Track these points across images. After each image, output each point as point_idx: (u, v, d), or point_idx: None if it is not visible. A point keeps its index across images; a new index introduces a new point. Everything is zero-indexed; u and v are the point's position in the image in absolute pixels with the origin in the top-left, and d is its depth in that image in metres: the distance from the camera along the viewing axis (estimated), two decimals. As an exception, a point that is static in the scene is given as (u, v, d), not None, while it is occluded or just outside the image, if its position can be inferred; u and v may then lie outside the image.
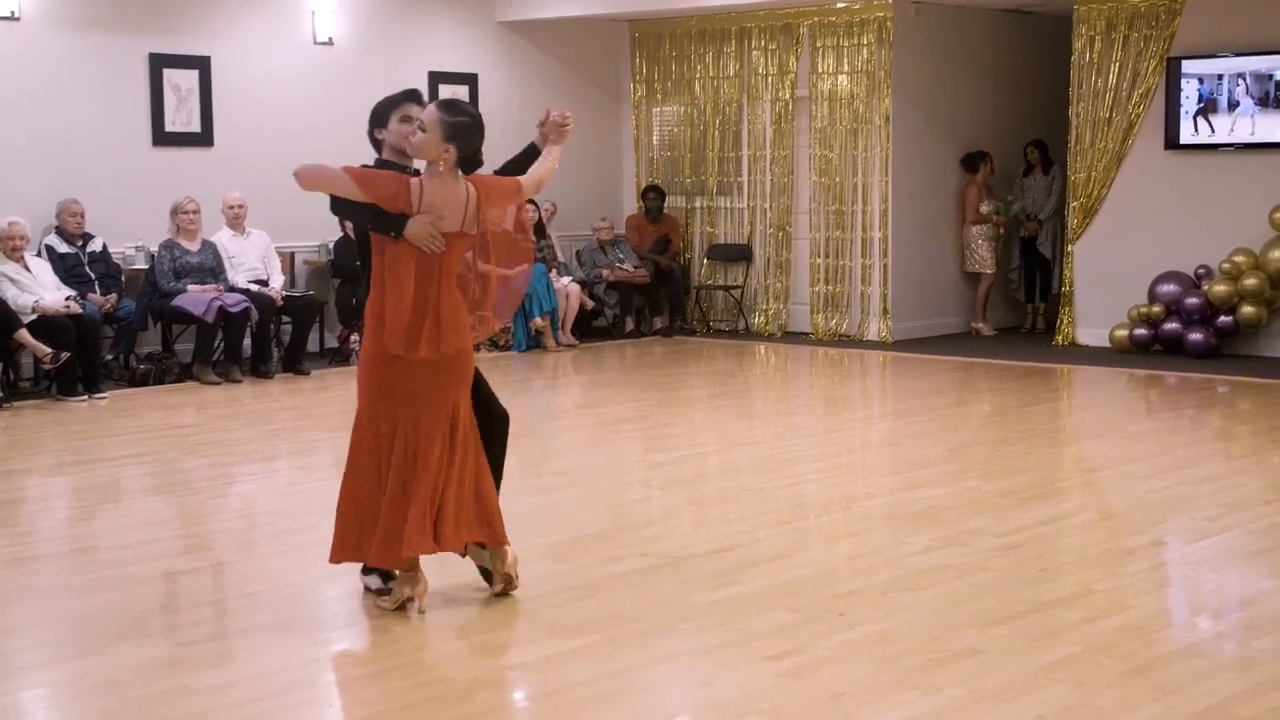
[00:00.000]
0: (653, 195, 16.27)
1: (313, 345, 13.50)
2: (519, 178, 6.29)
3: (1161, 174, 13.91)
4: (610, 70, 16.91)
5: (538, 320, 14.42)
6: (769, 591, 6.32)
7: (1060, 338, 14.64)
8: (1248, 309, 13.31)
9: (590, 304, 15.27)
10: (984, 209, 15.53)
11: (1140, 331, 13.81)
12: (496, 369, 13.37)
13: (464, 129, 5.92)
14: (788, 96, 15.69)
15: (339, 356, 13.58)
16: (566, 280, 14.93)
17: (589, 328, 15.38)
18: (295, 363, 12.83)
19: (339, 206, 6.25)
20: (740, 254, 16.18)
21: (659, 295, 15.92)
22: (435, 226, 5.81)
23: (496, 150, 15.89)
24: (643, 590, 6.36)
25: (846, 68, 15.24)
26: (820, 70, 15.38)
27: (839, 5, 15.04)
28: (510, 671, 5.42)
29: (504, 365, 13.62)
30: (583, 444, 10.29)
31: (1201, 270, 13.60)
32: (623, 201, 16.86)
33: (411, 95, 6.35)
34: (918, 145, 15.24)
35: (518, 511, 8.03)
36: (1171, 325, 13.63)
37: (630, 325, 15.64)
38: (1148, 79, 13.97)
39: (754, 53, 15.90)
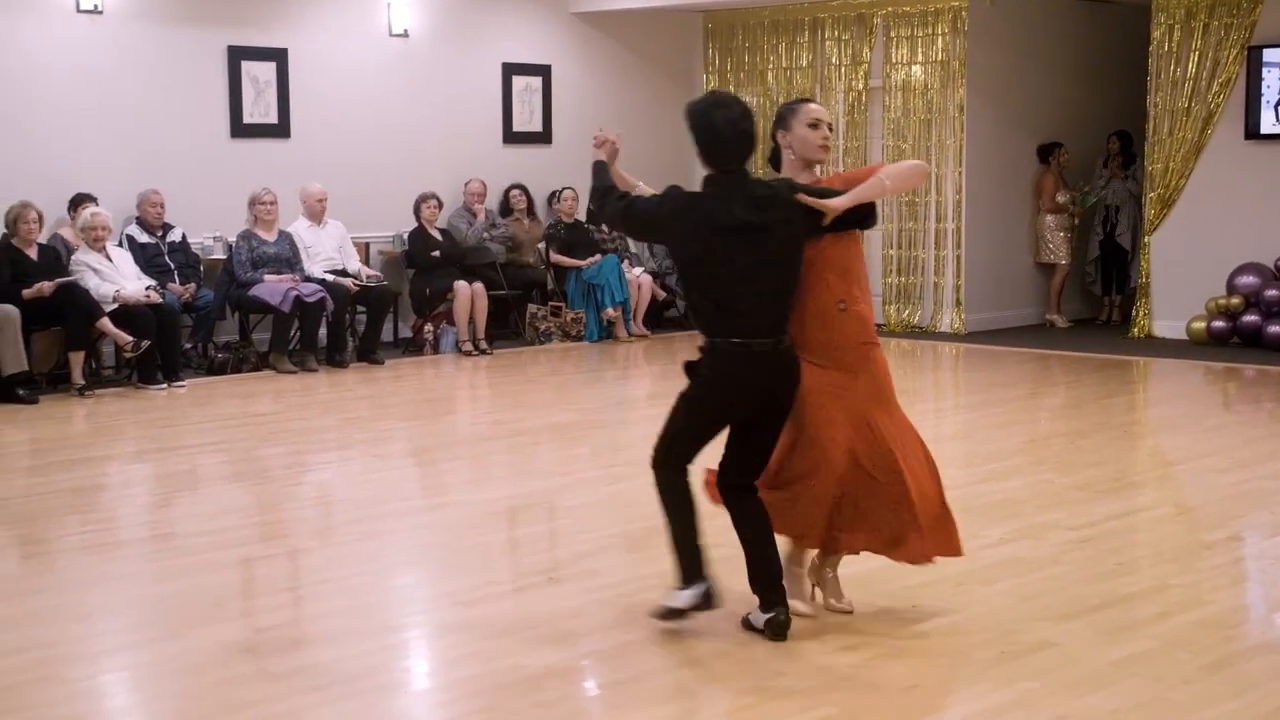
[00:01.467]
0: (725, 185, 16.22)
1: (386, 335, 13.57)
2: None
3: (1241, 164, 13.76)
4: (683, 61, 16.89)
5: (610, 310, 14.44)
6: (843, 583, 6.30)
7: (1136, 330, 14.52)
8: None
9: (662, 294, 15.27)
10: (1060, 199, 15.42)
11: (1218, 324, 13.68)
12: (569, 359, 13.42)
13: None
14: (861, 87, 15.64)
15: (413, 346, 13.66)
16: (639, 271, 14.94)
17: (661, 318, 15.38)
18: (370, 352, 12.90)
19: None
20: (813, 244, 16.11)
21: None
22: None
23: (573, 138, 15.81)
24: (715, 579, 6.36)
25: (920, 58, 15.17)
26: (894, 61, 15.32)
27: (914, -5, 14.99)
28: (582, 660, 5.42)
29: (576, 355, 13.66)
30: (653, 435, 10.27)
31: (1281, 262, 13.49)
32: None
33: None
34: (992, 136, 15.15)
35: (591, 500, 8.11)
36: (1250, 317, 13.49)
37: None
38: (1228, 68, 13.81)
39: (827, 43, 15.85)
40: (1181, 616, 5.83)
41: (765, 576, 5.53)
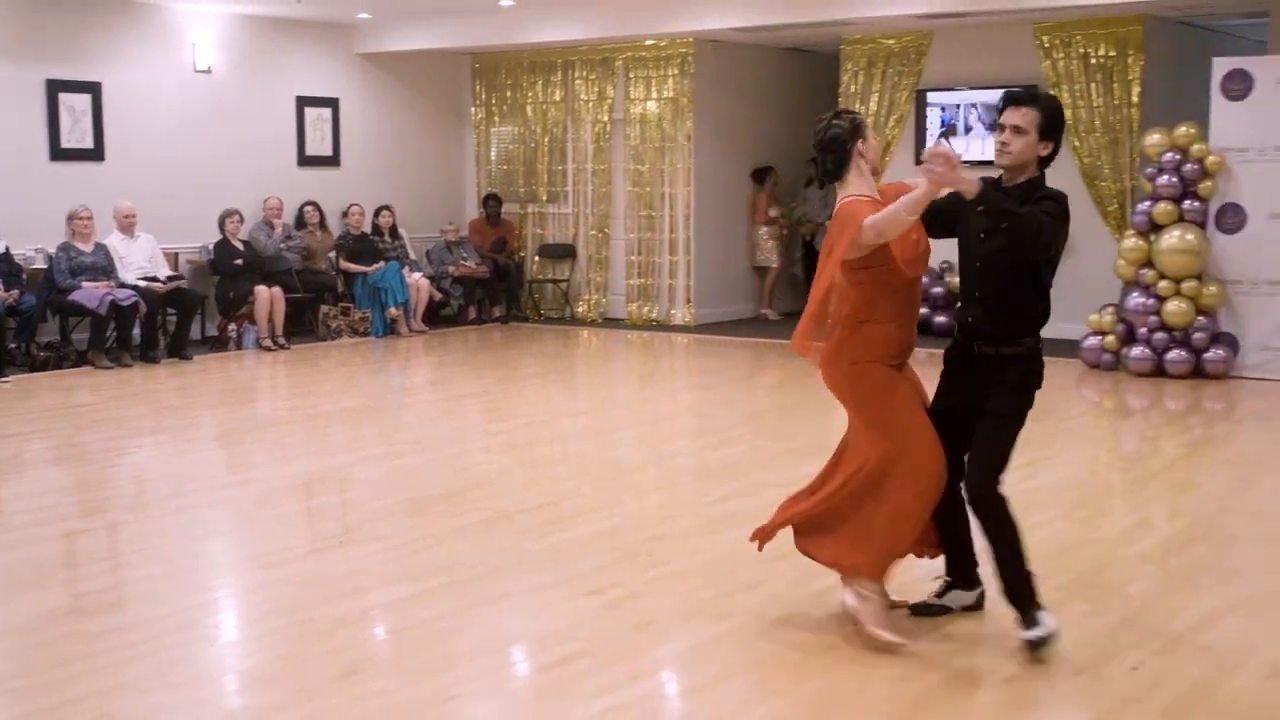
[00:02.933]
0: (492, 202, 16.25)
1: (195, 334, 13.25)
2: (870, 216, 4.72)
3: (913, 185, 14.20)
4: (454, 95, 16.81)
5: (392, 310, 14.35)
6: (590, 538, 6.38)
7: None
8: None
9: (438, 296, 15.19)
10: (772, 213, 15.75)
11: (899, 316, 14.08)
12: (357, 353, 13.27)
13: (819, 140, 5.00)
14: (606, 119, 15.74)
15: (218, 343, 13.37)
16: (417, 275, 14.84)
17: (437, 316, 15.29)
18: (180, 349, 12.58)
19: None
20: (566, 252, 16.21)
21: (497, 288, 15.89)
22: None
23: (359, 161, 15.59)
24: (481, 540, 6.38)
25: (655, 95, 15.33)
26: (633, 97, 15.46)
27: (648, 42, 15.11)
28: (370, 611, 5.40)
29: (363, 350, 13.50)
30: (432, 416, 10.25)
31: (944, 265, 13.90)
32: (466, 208, 16.79)
33: (1010, 98, 4.86)
34: (715, 161, 15.40)
35: (376, 473, 8.04)
36: (921, 310, 13.91)
37: (473, 314, 15.59)
38: (901, 107, 14.27)
39: (577, 82, 15.92)
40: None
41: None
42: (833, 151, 4.95)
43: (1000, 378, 4.87)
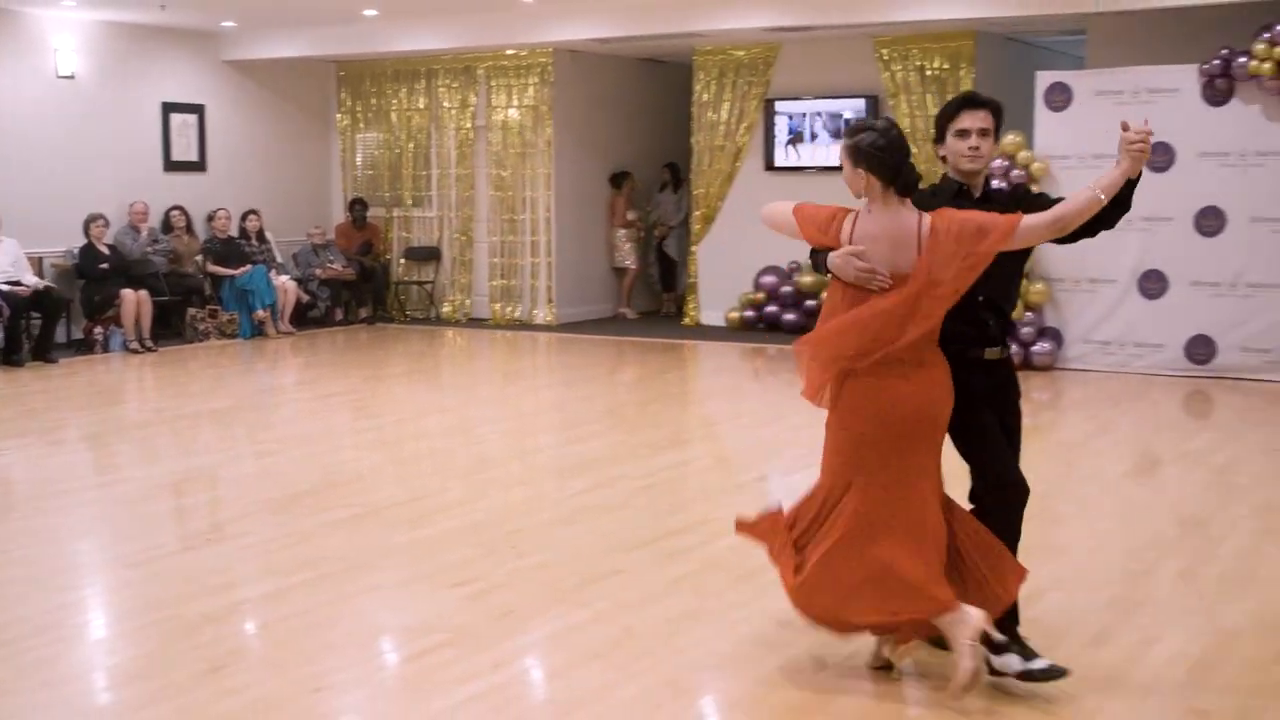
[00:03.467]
0: (358, 206, 16.07)
1: (60, 337, 12.89)
2: (1024, 214, 4.16)
3: (762, 190, 14.30)
4: (320, 102, 16.57)
5: (260, 312, 14.10)
6: (454, 532, 6.35)
7: (688, 319, 15.00)
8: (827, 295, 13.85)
9: (305, 298, 14.97)
10: (629, 216, 15.80)
11: (748, 313, 14.25)
12: (225, 355, 13.02)
13: (866, 150, 4.15)
14: (469, 126, 15.65)
15: (84, 346, 13.02)
16: (284, 278, 14.60)
17: (304, 318, 15.06)
18: (44, 352, 12.22)
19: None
20: (431, 255, 16.09)
21: (364, 290, 15.72)
22: (863, 259, 4.11)
23: (225, 166, 15.34)
24: (349, 535, 6.31)
25: (516, 103, 15.28)
26: (494, 104, 15.40)
27: (509, 52, 15.06)
28: (238, 607, 5.31)
29: (231, 351, 13.25)
30: (299, 416, 10.11)
31: (793, 265, 14.10)
32: (332, 211, 16.56)
33: (969, 100, 4.38)
34: (575, 166, 15.40)
35: (244, 472, 7.90)
36: (771, 308, 14.10)
37: (339, 315, 15.40)
38: (750, 115, 14.42)
39: (440, 90, 15.81)
40: (718, 543, 6.06)
41: None
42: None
43: (1010, 381, 4.53)
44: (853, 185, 4.20)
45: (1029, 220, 4.12)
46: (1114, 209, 4.16)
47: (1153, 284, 11.29)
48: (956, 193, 4.39)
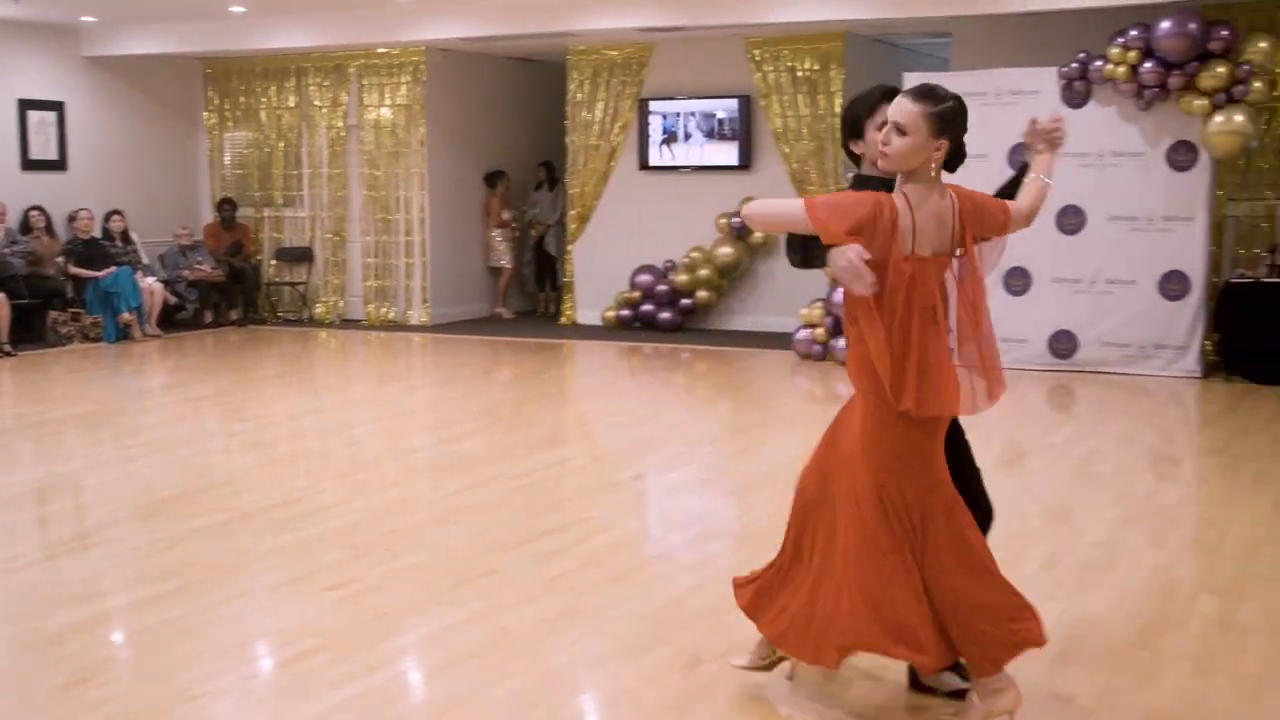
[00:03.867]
0: (226, 206, 15.78)
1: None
2: (1010, 201, 4.08)
3: (637, 189, 14.42)
4: (186, 100, 16.24)
5: (125, 315, 13.77)
6: (329, 534, 6.26)
7: (565, 318, 14.99)
8: (702, 293, 13.97)
9: (173, 300, 14.67)
10: (504, 216, 15.73)
11: (625, 312, 14.29)
12: (89, 358, 12.70)
13: (952, 116, 3.81)
14: (340, 124, 15.47)
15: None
16: (151, 280, 14.30)
17: (173, 320, 14.75)
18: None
19: (795, 246, 4.12)
20: (303, 255, 15.87)
21: (234, 291, 15.45)
22: (861, 258, 3.71)
23: (87, 166, 14.98)
24: (220, 540, 6.19)
25: (389, 101, 15.14)
26: (366, 103, 15.24)
27: (380, 50, 14.91)
28: (104, 616, 5.17)
29: (95, 355, 12.93)
30: (168, 419, 9.89)
31: (668, 264, 14.18)
32: (200, 212, 16.25)
33: (889, 94, 4.13)
34: (449, 166, 15.29)
35: (111, 478, 7.70)
36: (647, 307, 14.16)
37: (209, 318, 15.11)
38: (625, 115, 14.45)
39: (311, 88, 15.60)
40: (594, 541, 6.09)
41: None
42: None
43: None
44: (914, 158, 3.77)
45: (1013, 208, 4.05)
46: None
47: (1017, 281, 11.54)
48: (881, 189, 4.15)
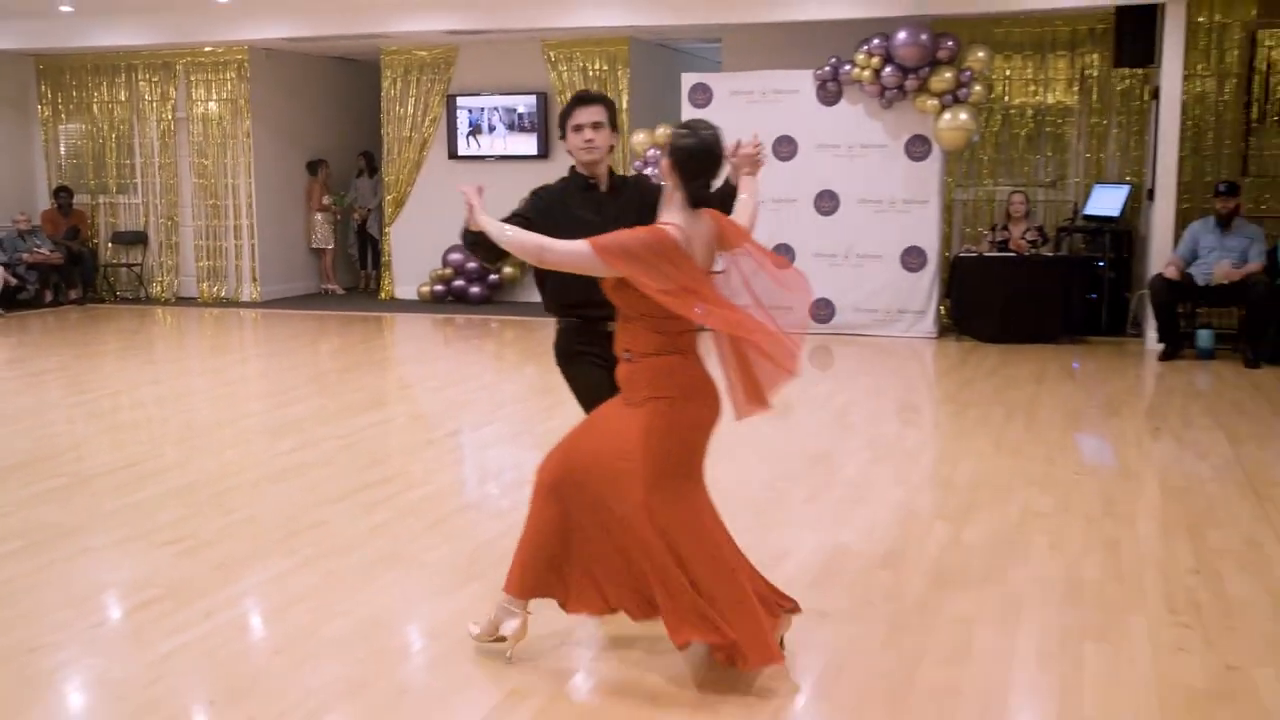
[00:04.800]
0: (63, 194, 15.04)
1: None
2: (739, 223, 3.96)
3: (447, 176, 14.22)
4: (20, 94, 15.39)
5: (-32, 295, 13.07)
6: (167, 494, 6.06)
7: (384, 294, 14.76)
8: (509, 270, 13.90)
9: (14, 281, 13.93)
10: (325, 201, 15.36)
11: (439, 288, 14.13)
12: (-66, 336, 11.99)
13: (686, 153, 3.69)
14: (170, 118, 14.87)
15: None
16: (-8, 263, 13.57)
17: (14, 301, 14.01)
18: None
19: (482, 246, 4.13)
20: (138, 238, 15.24)
21: (74, 272, 14.73)
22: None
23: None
24: (61, 504, 5.93)
25: (215, 96, 14.61)
26: (194, 98, 14.68)
27: (206, 49, 14.37)
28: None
29: (-60, 333, 12.22)
30: (10, 392, 9.40)
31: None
32: (37, 199, 15.45)
33: (580, 99, 4.23)
34: (274, 155, 14.85)
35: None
36: (459, 282, 14.02)
37: (49, 297, 14.39)
38: (434, 109, 14.24)
39: (141, 83, 14.94)
40: (414, 492, 6.04)
41: None
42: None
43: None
44: (669, 179, 3.73)
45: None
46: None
47: (782, 255, 11.78)
48: (585, 186, 4.28)
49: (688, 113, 11.91)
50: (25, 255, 14.10)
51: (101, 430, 7.90)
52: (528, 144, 13.94)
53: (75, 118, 15.35)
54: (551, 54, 13.59)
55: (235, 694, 3.76)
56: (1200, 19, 10.96)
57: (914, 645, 4.13)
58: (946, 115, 11.05)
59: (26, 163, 15.54)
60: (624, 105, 13.28)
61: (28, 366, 10.48)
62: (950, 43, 11.01)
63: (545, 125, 13.82)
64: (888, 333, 11.47)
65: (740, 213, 4.05)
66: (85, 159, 15.39)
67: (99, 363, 10.60)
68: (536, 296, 14.38)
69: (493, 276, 13.85)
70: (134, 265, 15.26)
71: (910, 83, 11.08)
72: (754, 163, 4.16)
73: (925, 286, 11.41)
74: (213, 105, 14.62)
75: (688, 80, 12.03)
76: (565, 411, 8.24)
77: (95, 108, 15.19)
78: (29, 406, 8.72)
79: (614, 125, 4.31)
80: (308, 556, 5.02)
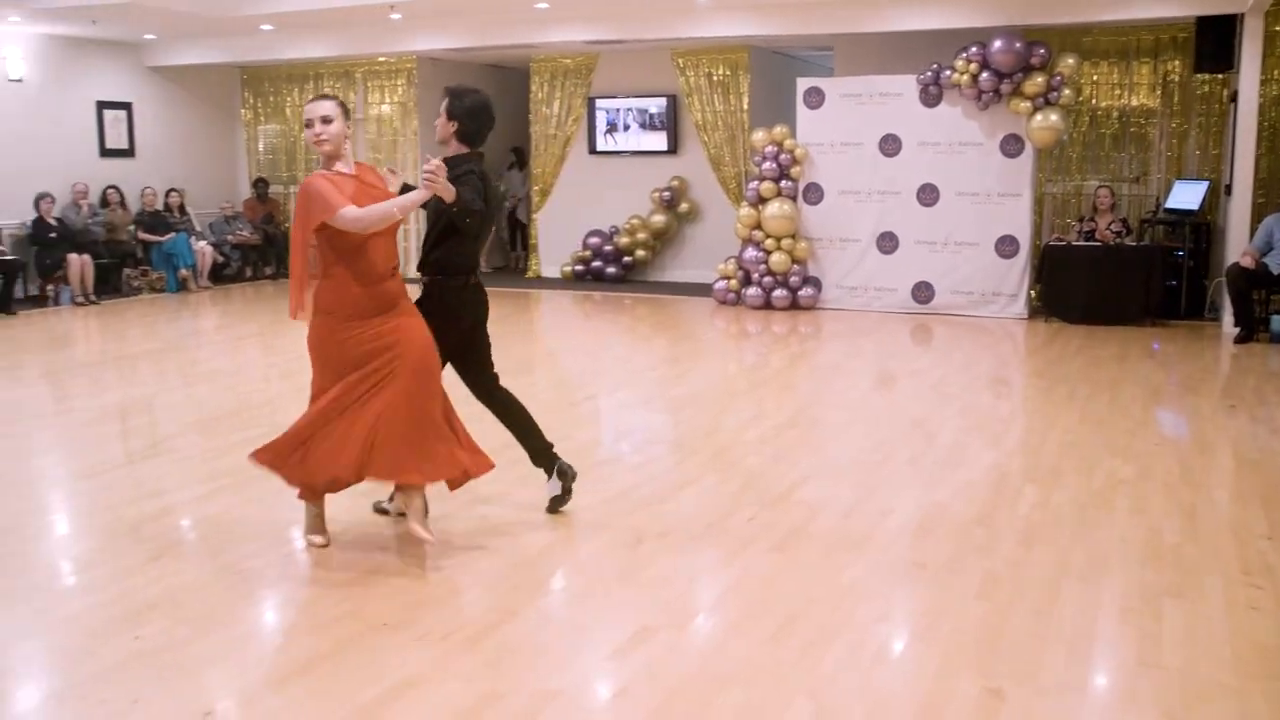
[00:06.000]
0: (261, 185, 15.49)
1: (18, 294, 12.21)
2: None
3: (587, 169, 14.29)
4: (227, 100, 15.87)
5: (183, 271, 13.57)
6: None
7: (531, 272, 14.89)
8: (640, 252, 13.92)
9: (220, 259, 14.42)
10: (482, 192, 15.54)
11: (579, 268, 14.21)
12: (155, 306, 12.49)
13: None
14: (350, 120, 15.19)
15: (39, 301, 12.38)
16: (202, 243, 14.05)
17: (220, 275, 14.51)
18: (5, 307, 11.58)
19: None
20: (324, 223, 15.64)
21: (268, 252, 15.18)
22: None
23: (151, 153, 14.58)
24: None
25: (389, 100, 14.88)
26: (371, 101, 14.97)
27: (381, 59, 14.63)
28: (172, 508, 5.12)
29: (160, 303, 12.71)
30: (217, 354, 9.76)
31: (613, 229, 14.10)
32: (240, 189, 15.94)
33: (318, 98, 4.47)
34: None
35: (173, 401, 7.61)
36: (596, 263, 14.07)
37: (249, 273, 14.88)
38: (577, 110, 14.29)
39: (326, 89, 15.29)
40: (557, 448, 6.08)
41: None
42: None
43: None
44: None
45: (350, 214, 4.18)
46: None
47: (887, 242, 11.60)
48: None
49: (802, 113, 11.76)
50: (230, 237, 14.59)
51: (292, 388, 8.12)
52: (658, 140, 13.92)
53: (272, 120, 15.79)
54: (680, 61, 13.52)
55: (408, 615, 3.85)
56: (1278, 28, 10.44)
57: (1005, 597, 4.04)
58: (1038, 116, 10.72)
59: (231, 158, 16.05)
60: (744, 107, 13.17)
61: (231, 332, 10.86)
62: (1042, 50, 10.66)
63: (674, 124, 13.77)
64: (982, 314, 11.22)
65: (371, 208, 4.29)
66: (279, 155, 15.83)
67: (289, 328, 10.89)
68: (665, 276, 14.43)
69: (626, 258, 13.88)
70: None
71: (1005, 87, 10.77)
72: (423, 180, 4.24)
73: (1017, 272, 11.12)
74: (385, 108, 14.89)
75: (802, 84, 11.87)
76: (690, 379, 8.25)
77: (288, 110, 15.60)
78: (232, 366, 9.04)
79: (453, 116, 4.74)
80: (462, 502, 5.10)
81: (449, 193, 4.30)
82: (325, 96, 4.44)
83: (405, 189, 4.62)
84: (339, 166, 4.37)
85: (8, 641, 3.72)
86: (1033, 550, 4.52)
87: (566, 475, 4.95)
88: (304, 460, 4.34)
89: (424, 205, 4.48)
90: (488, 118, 4.81)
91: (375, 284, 4.32)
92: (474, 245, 4.73)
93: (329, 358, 4.37)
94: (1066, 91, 10.69)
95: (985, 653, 3.59)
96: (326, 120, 4.32)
